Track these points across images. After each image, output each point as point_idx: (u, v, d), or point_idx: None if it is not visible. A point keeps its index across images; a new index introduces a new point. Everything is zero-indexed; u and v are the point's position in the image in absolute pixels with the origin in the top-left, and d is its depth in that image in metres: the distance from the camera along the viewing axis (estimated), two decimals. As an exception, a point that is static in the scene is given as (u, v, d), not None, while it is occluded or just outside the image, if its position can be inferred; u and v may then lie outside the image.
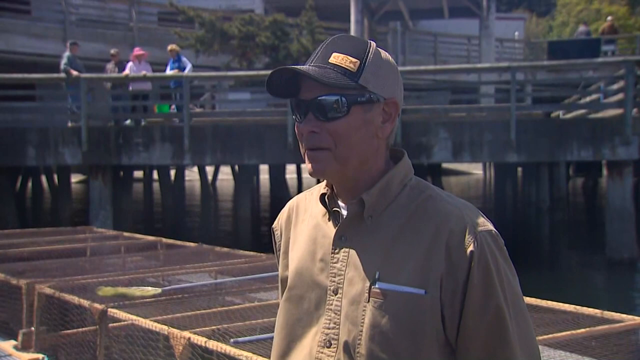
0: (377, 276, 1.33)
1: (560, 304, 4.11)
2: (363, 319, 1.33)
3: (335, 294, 1.37)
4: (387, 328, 1.30)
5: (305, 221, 1.49)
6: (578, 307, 4.03)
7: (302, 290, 1.42)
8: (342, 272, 1.37)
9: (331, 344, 1.36)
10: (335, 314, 1.36)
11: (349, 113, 1.34)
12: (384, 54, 1.40)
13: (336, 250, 1.39)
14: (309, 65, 1.35)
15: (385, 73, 1.38)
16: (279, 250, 1.56)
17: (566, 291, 10.23)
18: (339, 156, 1.35)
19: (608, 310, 3.97)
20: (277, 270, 1.57)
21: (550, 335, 3.59)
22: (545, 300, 4.17)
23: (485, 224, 1.35)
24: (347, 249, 1.38)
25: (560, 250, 15.19)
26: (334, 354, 1.35)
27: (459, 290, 1.30)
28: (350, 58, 1.34)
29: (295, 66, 1.34)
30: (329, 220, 1.43)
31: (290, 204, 1.56)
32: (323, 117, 1.34)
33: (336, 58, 1.34)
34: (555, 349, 3.67)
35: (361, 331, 1.32)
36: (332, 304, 1.37)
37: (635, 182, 15.81)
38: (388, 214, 1.37)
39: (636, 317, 3.88)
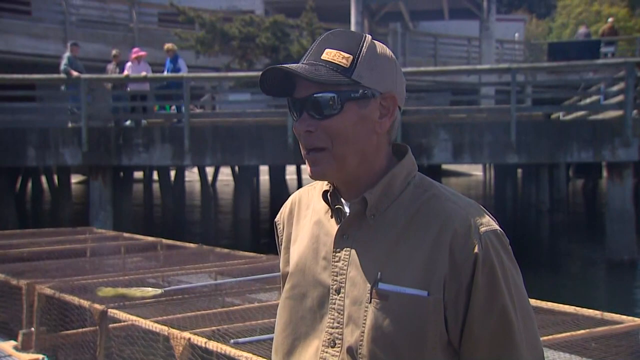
0: (379, 277, 1.31)
1: (560, 305, 4.12)
2: (365, 320, 1.30)
3: (338, 293, 1.35)
4: (388, 330, 1.29)
5: (307, 217, 1.46)
6: (578, 308, 4.04)
7: (305, 288, 1.40)
8: (344, 272, 1.35)
9: (335, 344, 1.34)
10: (339, 313, 1.34)
11: (343, 110, 1.31)
12: (380, 47, 1.36)
13: (338, 249, 1.36)
14: (302, 63, 1.33)
15: (381, 67, 1.34)
16: (281, 244, 1.53)
17: (566, 292, 10.23)
18: (336, 155, 1.32)
19: (608, 312, 3.97)
20: (277, 271, 1.56)
21: (550, 337, 3.59)
22: (545, 302, 4.17)
23: (490, 223, 1.32)
24: (349, 248, 1.35)
25: (560, 251, 15.18)
26: (338, 354, 1.33)
27: (463, 292, 1.28)
28: (343, 53, 1.31)
29: (286, 65, 1.31)
30: (332, 218, 1.40)
31: (292, 198, 1.54)
32: (317, 116, 1.32)
33: (329, 54, 1.31)
34: (556, 350, 3.66)
35: (363, 332, 1.30)
36: (335, 304, 1.35)
37: (635, 183, 15.82)
38: (391, 212, 1.35)
39: (636, 319, 3.88)
